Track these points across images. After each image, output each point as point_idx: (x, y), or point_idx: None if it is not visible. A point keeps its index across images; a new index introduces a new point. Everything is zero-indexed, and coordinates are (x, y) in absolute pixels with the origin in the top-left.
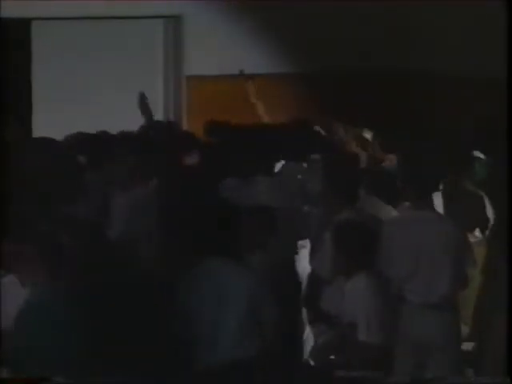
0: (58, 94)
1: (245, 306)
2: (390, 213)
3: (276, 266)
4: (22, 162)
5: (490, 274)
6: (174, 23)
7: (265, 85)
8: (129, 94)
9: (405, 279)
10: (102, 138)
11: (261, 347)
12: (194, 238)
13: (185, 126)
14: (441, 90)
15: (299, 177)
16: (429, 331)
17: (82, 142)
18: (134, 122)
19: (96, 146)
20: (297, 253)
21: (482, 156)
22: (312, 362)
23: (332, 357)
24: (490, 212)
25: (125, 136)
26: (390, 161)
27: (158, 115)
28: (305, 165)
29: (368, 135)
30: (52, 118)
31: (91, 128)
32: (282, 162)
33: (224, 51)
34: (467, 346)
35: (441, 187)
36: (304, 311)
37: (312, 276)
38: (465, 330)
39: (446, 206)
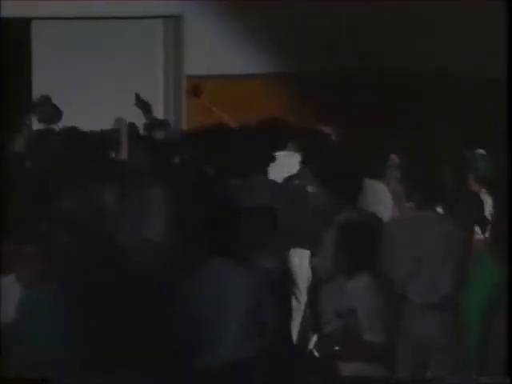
0: (58, 94)
1: (245, 306)
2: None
3: (276, 265)
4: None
5: None
6: (174, 23)
7: (265, 85)
8: (129, 94)
9: (407, 279)
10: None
11: (261, 347)
12: (194, 238)
13: (185, 126)
14: (441, 90)
15: (299, 177)
16: (430, 331)
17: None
18: (133, 121)
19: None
20: (297, 253)
21: (483, 152)
22: (316, 354)
23: (336, 348)
24: (490, 211)
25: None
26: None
27: (158, 115)
28: (305, 165)
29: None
30: None
31: (91, 127)
32: (282, 162)
33: (224, 51)
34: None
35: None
36: (304, 311)
37: (312, 275)
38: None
39: (448, 205)
